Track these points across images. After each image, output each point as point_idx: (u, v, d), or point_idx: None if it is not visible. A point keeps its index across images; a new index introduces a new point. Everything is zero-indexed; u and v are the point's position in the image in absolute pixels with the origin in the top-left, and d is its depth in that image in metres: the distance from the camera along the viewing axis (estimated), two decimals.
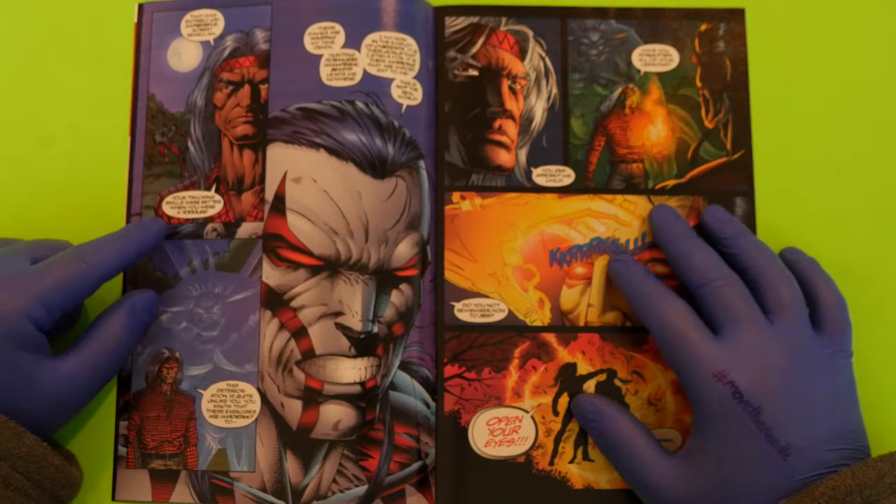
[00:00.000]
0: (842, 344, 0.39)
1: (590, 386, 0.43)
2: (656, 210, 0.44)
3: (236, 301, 0.43)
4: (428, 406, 0.43)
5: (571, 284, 0.44)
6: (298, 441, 0.42)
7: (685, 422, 0.43)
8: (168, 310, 0.44)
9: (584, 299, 0.44)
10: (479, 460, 0.43)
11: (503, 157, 0.45)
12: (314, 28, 0.45)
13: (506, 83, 0.46)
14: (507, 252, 0.44)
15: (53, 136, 0.46)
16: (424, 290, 0.44)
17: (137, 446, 0.43)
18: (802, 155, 0.46)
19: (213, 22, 0.46)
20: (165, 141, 0.45)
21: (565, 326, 0.44)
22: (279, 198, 0.44)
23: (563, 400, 0.43)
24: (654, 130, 0.46)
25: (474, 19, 0.46)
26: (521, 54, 0.46)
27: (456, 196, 0.45)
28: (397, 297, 0.43)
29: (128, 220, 0.45)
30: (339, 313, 0.43)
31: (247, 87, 0.45)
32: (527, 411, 0.43)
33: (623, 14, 0.47)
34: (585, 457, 0.43)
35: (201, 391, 0.43)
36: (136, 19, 0.47)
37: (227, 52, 0.46)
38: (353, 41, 0.45)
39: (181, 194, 0.45)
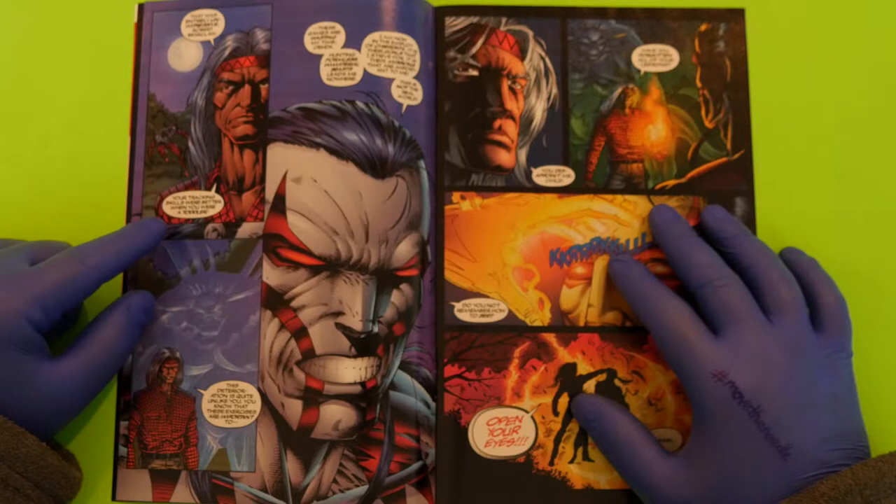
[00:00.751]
0: (842, 344, 0.39)
1: (590, 386, 0.43)
2: (656, 210, 0.44)
3: (237, 301, 0.43)
4: (428, 406, 0.43)
5: (571, 284, 0.44)
6: (299, 441, 0.42)
7: (685, 422, 0.43)
8: (168, 310, 0.44)
9: (584, 299, 0.44)
10: (479, 460, 0.43)
11: (503, 157, 0.45)
12: (314, 28, 0.45)
13: (506, 83, 0.46)
14: (507, 252, 0.44)
15: (53, 136, 0.46)
16: (424, 290, 0.44)
17: (138, 446, 0.43)
18: (802, 155, 0.46)
19: (213, 22, 0.46)
20: (166, 141, 0.45)
21: (565, 326, 0.44)
22: (279, 198, 0.44)
23: (563, 400, 0.43)
24: (654, 130, 0.46)
25: (474, 19, 0.46)
26: (521, 54, 0.46)
27: (456, 196, 0.45)
28: (397, 297, 0.43)
29: (128, 220, 0.45)
30: (339, 313, 0.43)
31: (247, 87, 0.45)
32: (527, 411, 0.43)
33: (623, 14, 0.47)
34: (585, 457, 0.43)
35: (202, 391, 0.43)
36: (136, 19, 0.47)
37: (227, 52, 0.46)
38: (354, 41, 0.45)
39: (181, 194, 0.45)
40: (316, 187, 0.44)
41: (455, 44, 0.46)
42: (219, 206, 0.45)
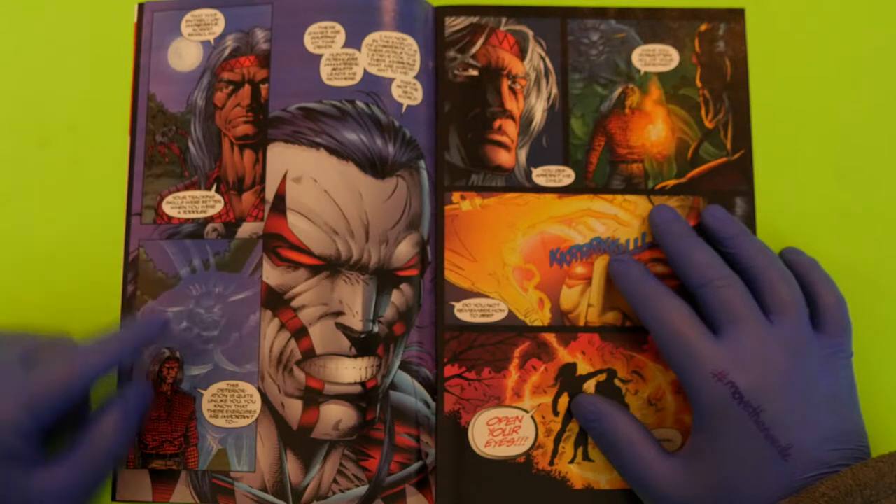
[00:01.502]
0: (842, 344, 0.39)
1: (590, 386, 0.43)
2: (656, 210, 0.44)
3: (237, 301, 0.44)
4: (428, 406, 0.43)
5: (571, 284, 0.44)
6: (299, 441, 0.42)
7: (685, 422, 0.43)
8: (168, 310, 0.44)
9: (584, 299, 0.44)
10: (479, 460, 0.43)
11: (503, 157, 0.45)
12: (314, 28, 0.45)
13: (506, 83, 0.46)
14: (507, 252, 0.44)
15: (53, 136, 0.46)
16: (425, 290, 0.44)
17: (138, 446, 0.43)
18: (802, 155, 0.46)
19: (213, 22, 0.46)
20: (166, 141, 0.45)
21: (565, 326, 0.44)
22: (279, 197, 0.44)
23: (563, 400, 0.43)
24: (654, 130, 0.46)
25: (474, 19, 0.46)
26: (521, 54, 0.46)
27: (456, 196, 0.45)
28: (398, 297, 0.43)
29: (128, 220, 0.45)
30: (339, 313, 0.43)
31: (247, 87, 0.45)
32: (527, 411, 0.43)
33: (623, 14, 0.47)
34: (585, 457, 0.43)
35: (202, 391, 0.43)
36: (136, 19, 0.47)
37: (227, 52, 0.46)
38: (354, 41, 0.45)
39: (181, 194, 0.45)
40: (316, 187, 0.44)
41: (455, 44, 0.46)
42: (219, 206, 0.45)
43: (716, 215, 0.43)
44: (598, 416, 0.41)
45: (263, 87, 0.45)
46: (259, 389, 0.43)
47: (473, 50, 0.46)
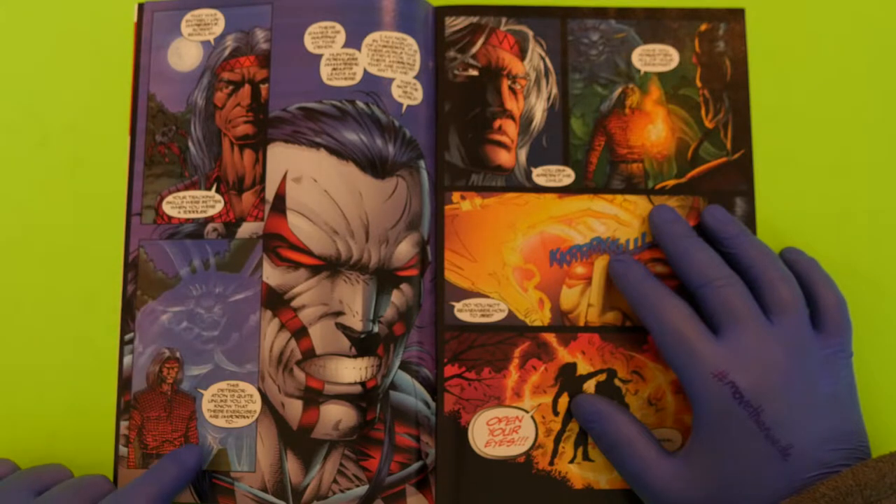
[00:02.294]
0: (842, 344, 0.39)
1: (590, 386, 0.43)
2: (656, 210, 0.44)
3: (237, 301, 0.43)
4: (428, 406, 0.43)
5: (571, 284, 0.44)
6: (299, 441, 0.42)
7: (685, 422, 0.43)
8: (169, 310, 0.44)
9: (584, 299, 0.44)
10: (479, 460, 0.43)
11: (503, 157, 0.45)
12: (314, 28, 0.45)
13: (506, 83, 0.46)
14: (507, 252, 0.44)
15: (53, 136, 0.46)
16: (425, 290, 0.44)
17: (138, 446, 0.43)
18: (802, 155, 0.46)
19: (213, 21, 0.46)
20: (166, 141, 0.45)
21: (565, 326, 0.44)
22: (280, 197, 0.44)
23: (563, 400, 0.43)
24: (654, 130, 0.46)
25: (474, 19, 0.46)
26: (521, 54, 0.46)
27: (456, 196, 0.45)
28: (398, 297, 0.43)
29: (128, 220, 0.45)
30: (339, 313, 0.43)
31: (247, 87, 0.45)
32: (527, 411, 0.43)
33: (623, 14, 0.47)
34: (585, 457, 0.43)
35: (202, 391, 0.43)
36: (136, 19, 0.47)
37: (227, 52, 0.46)
38: (354, 41, 0.45)
39: (181, 194, 0.45)
40: (316, 187, 0.44)
41: (455, 44, 0.46)
42: (219, 206, 0.45)
43: (716, 215, 0.43)
44: (598, 416, 0.41)
45: (263, 87, 0.45)
46: (259, 389, 0.43)
47: (473, 50, 0.46)
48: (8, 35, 0.47)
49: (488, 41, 0.46)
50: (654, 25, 0.47)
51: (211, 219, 0.44)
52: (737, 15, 0.47)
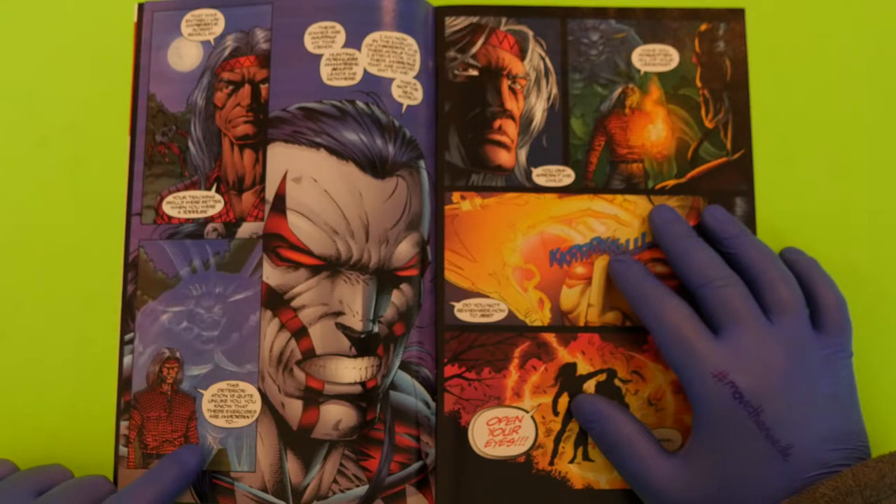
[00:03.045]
0: (842, 344, 0.39)
1: (590, 386, 0.43)
2: (656, 210, 0.44)
3: (237, 301, 0.43)
4: (428, 406, 0.43)
5: (571, 284, 0.44)
6: (299, 441, 0.42)
7: (685, 422, 0.43)
8: (168, 310, 0.44)
9: (584, 299, 0.44)
10: (479, 460, 0.43)
11: (503, 157, 0.45)
12: (314, 28, 0.45)
13: (506, 83, 0.46)
14: (507, 252, 0.44)
15: (53, 136, 0.46)
16: (425, 290, 0.44)
17: (138, 446, 0.43)
18: (802, 155, 0.46)
19: (213, 21, 0.46)
20: (166, 141, 0.45)
21: (565, 326, 0.44)
22: (280, 197, 0.44)
23: (563, 400, 0.43)
24: (654, 130, 0.46)
25: (474, 19, 0.46)
26: (521, 54, 0.46)
27: (456, 196, 0.45)
28: (398, 297, 0.43)
29: (128, 220, 0.45)
30: (339, 313, 0.43)
31: (247, 87, 0.45)
32: (527, 411, 0.43)
33: (623, 14, 0.47)
34: (585, 457, 0.43)
35: (202, 391, 0.43)
36: (136, 19, 0.47)
37: (227, 52, 0.46)
38: (354, 41, 0.45)
39: (181, 194, 0.45)
40: (316, 187, 0.44)
41: (455, 44, 0.46)
42: (219, 206, 0.45)
43: (716, 215, 0.43)
44: (598, 416, 0.41)
45: (263, 87, 0.45)
46: (259, 389, 0.43)
47: (473, 50, 0.46)
48: (8, 35, 0.47)
49: (488, 41, 0.46)
50: (654, 25, 0.47)
51: (211, 219, 0.44)
52: (737, 15, 0.47)
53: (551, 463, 0.43)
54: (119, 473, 0.43)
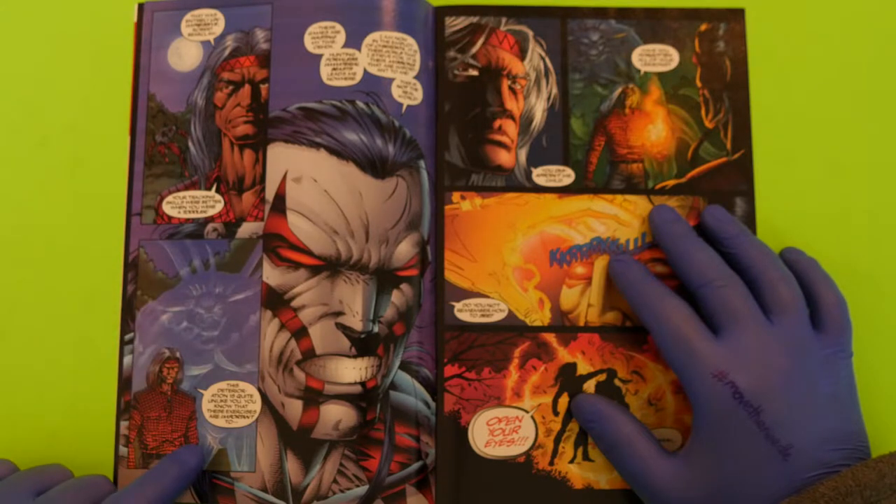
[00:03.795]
0: (842, 344, 0.39)
1: (590, 386, 0.43)
2: (656, 210, 0.44)
3: (237, 301, 0.43)
4: (428, 406, 0.43)
5: (571, 284, 0.44)
6: (299, 441, 0.42)
7: (685, 422, 0.43)
8: (168, 310, 0.44)
9: (584, 299, 0.44)
10: (479, 460, 0.43)
11: (503, 157, 0.45)
12: (314, 28, 0.45)
13: (506, 83, 0.46)
14: (507, 252, 0.44)
15: (53, 136, 0.46)
16: (425, 290, 0.44)
17: (138, 446, 0.43)
18: (802, 155, 0.46)
19: (213, 21, 0.46)
20: (166, 141, 0.45)
21: (565, 326, 0.44)
22: (280, 197, 0.44)
23: (563, 400, 0.43)
24: (654, 130, 0.46)
25: (474, 19, 0.46)
26: (521, 54, 0.46)
27: (456, 196, 0.45)
28: (398, 297, 0.43)
29: (128, 220, 0.45)
30: (339, 313, 0.43)
31: (247, 87, 0.45)
32: (527, 411, 0.43)
33: (623, 14, 0.47)
34: (585, 457, 0.43)
35: (202, 391, 0.43)
36: (135, 19, 0.47)
37: (227, 52, 0.46)
38: (354, 41, 0.45)
39: (181, 194, 0.45)
40: (316, 187, 0.44)
41: (455, 44, 0.46)
42: (219, 206, 0.45)
43: (716, 215, 0.43)
44: (598, 416, 0.41)
45: (263, 87, 0.45)
46: (259, 389, 0.43)
47: (473, 50, 0.46)
48: (8, 35, 0.47)
49: (488, 41, 0.46)
50: (654, 25, 0.47)
51: (211, 219, 0.44)
52: (737, 15, 0.47)
53: (551, 463, 0.43)
54: (119, 473, 0.43)
